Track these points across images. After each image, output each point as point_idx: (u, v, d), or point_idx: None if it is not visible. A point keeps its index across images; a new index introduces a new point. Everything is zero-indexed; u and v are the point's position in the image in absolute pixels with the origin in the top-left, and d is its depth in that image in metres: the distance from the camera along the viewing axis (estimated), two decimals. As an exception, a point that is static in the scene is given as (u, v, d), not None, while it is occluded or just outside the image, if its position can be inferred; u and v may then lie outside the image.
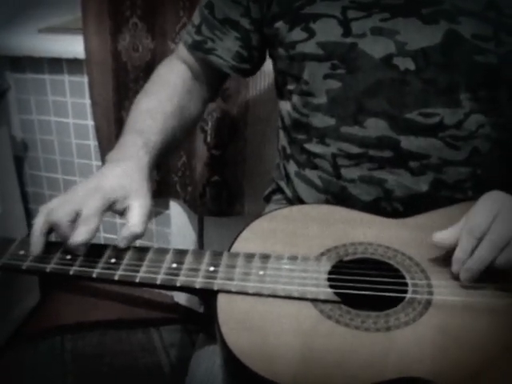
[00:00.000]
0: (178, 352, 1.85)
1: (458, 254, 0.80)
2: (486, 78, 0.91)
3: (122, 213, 0.88)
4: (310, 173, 1.03)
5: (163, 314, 2.00)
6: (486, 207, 0.80)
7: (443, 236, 0.82)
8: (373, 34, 0.91)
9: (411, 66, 0.90)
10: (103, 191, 0.87)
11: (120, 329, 1.93)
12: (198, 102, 1.11)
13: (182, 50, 1.12)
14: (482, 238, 0.78)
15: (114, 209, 0.88)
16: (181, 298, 1.97)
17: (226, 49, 1.06)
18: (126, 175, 0.90)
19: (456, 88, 0.91)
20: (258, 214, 0.94)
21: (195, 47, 1.08)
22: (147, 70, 1.60)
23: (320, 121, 0.98)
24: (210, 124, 1.56)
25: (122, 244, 0.86)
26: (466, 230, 0.79)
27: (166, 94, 1.06)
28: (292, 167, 1.07)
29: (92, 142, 1.86)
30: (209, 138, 1.60)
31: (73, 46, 1.69)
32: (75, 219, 0.84)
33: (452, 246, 0.81)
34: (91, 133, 1.83)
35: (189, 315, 1.95)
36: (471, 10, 0.88)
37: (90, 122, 1.80)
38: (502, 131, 0.96)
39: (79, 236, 0.83)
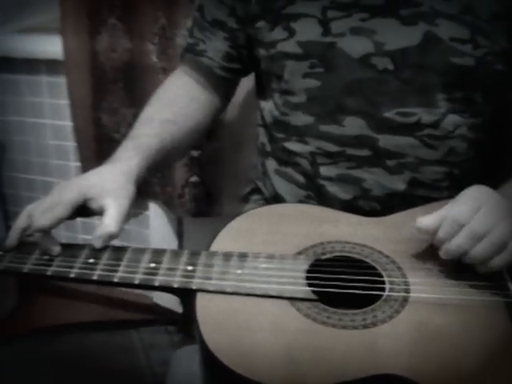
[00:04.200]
0: (158, 353, 1.84)
1: (439, 238, 0.80)
2: (461, 80, 0.92)
3: (100, 212, 0.88)
4: (290, 170, 1.04)
5: (143, 315, 1.99)
6: (472, 198, 0.81)
7: (426, 221, 0.82)
8: (352, 33, 0.92)
9: (389, 66, 0.91)
10: (78, 185, 0.89)
11: (99, 331, 1.91)
12: (207, 110, 1.10)
13: (183, 64, 1.12)
14: (463, 226, 0.79)
15: (90, 207, 0.88)
16: (160, 299, 1.97)
17: (216, 49, 1.06)
18: (108, 175, 0.91)
19: (432, 88, 0.92)
20: (236, 214, 0.94)
21: (188, 50, 1.10)
22: (125, 71, 1.60)
23: (299, 119, 0.99)
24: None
25: (96, 244, 0.87)
26: (449, 216, 0.80)
27: (165, 102, 1.07)
28: (271, 164, 1.07)
29: (70, 143, 1.85)
30: (187, 139, 1.59)
31: (51, 47, 1.68)
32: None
33: (433, 232, 0.81)
34: (69, 134, 1.82)
35: (169, 316, 1.94)
36: (449, 12, 0.89)
37: (69, 123, 1.79)
38: (478, 132, 0.98)
39: (39, 221, 0.85)
